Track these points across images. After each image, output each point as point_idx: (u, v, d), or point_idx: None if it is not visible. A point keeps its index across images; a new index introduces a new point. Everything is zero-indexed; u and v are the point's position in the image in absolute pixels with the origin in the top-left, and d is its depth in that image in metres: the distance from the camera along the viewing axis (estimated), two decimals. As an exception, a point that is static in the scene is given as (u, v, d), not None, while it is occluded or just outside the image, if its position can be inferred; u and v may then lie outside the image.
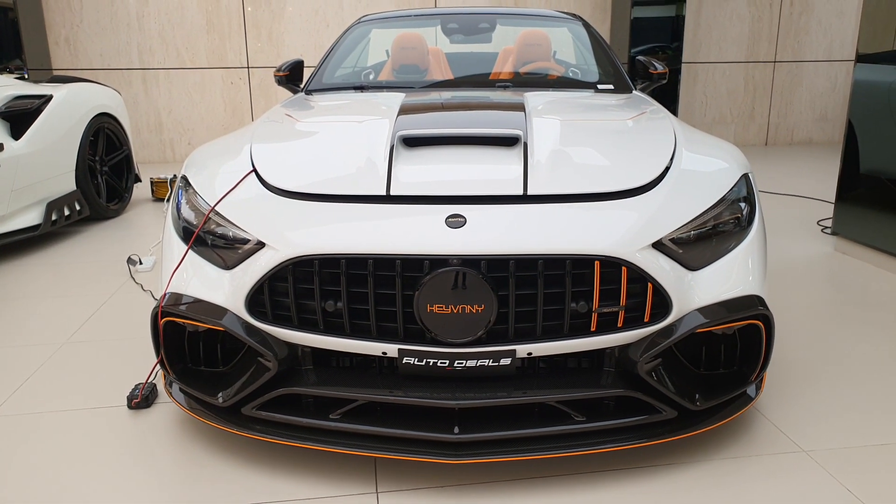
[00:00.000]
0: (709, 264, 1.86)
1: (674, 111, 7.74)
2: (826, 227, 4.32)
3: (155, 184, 5.51)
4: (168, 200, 5.29)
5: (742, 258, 1.91)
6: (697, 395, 1.83)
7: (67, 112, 4.41)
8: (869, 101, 3.62)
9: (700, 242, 1.86)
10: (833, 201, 3.98)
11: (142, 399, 2.21)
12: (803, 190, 5.60)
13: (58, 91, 4.39)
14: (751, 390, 1.98)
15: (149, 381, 2.27)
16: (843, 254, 3.83)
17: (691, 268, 1.83)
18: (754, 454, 1.91)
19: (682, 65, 7.88)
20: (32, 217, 4.07)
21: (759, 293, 1.90)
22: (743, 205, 1.98)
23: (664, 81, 3.32)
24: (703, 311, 1.81)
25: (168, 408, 2.20)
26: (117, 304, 3.17)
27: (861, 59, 3.69)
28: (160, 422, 2.12)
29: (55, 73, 7.23)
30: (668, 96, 7.58)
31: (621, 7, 7.69)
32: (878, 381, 2.34)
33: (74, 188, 4.46)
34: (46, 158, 4.17)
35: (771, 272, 3.46)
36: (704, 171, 2.05)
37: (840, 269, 3.60)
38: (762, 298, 1.90)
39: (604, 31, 7.99)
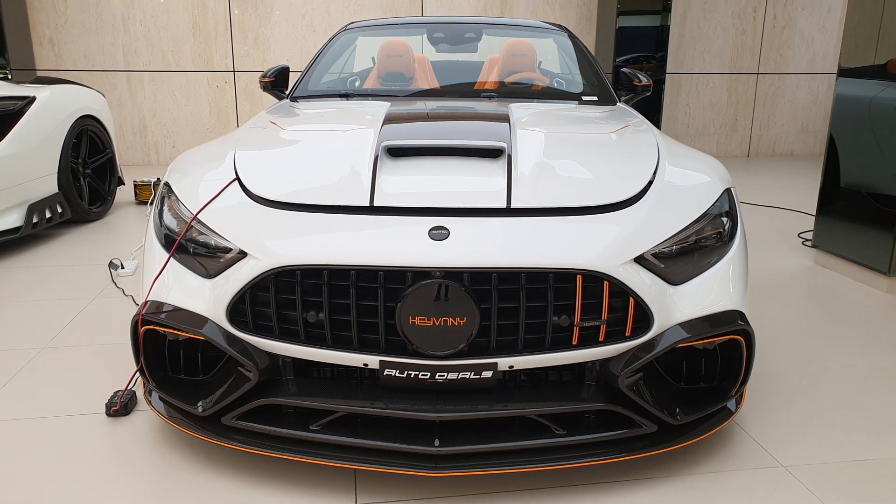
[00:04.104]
0: (690, 279, 1.88)
1: (657, 121, 7.80)
2: (807, 240, 4.37)
3: (138, 187, 5.46)
4: (151, 204, 5.25)
5: (723, 273, 1.93)
6: (678, 410, 1.84)
7: (50, 114, 4.36)
8: (850, 114, 3.67)
9: (682, 257, 1.87)
10: (814, 214, 4.02)
11: (121, 407, 2.18)
12: (784, 202, 5.67)
13: (41, 93, 4.35)
14: (731, 405, 1.99)
15: (128, 388, 2.24)
16: (823, 267, 3.88)
17: (673, 282, 1.84)
18: (734, 469, 1.92)
19: (667, 75, 7.96)
20: (13, 219, 4.02)
21: (741, 308, 1.92)
22: (725, 220, 2.00)
23: (648, 93, 3.35)
24: (684, 325, 1.83)
25: (147, 416, 2.17)
26: (98, 308, 3.14)
27: (843, 73, 3.75)
28: (139, 430, 2.10)
29: (39, 73, 7.16)
30: (652, 106, 7.65)
31: (607, 16, 7.75)
32: (856, 396, 2.37)
33: (56, 191, 4.42)
34: (28, 160, 4.12)
35: (751, 285, 3.50)
36: (687, 185, 2.07)
37: (820, 282, 3.64)
38: (743, 314, 1.91)
39: (589, 41, 8.05)
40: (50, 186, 4.35)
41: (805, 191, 6.13)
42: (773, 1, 8.21)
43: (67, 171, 4.49)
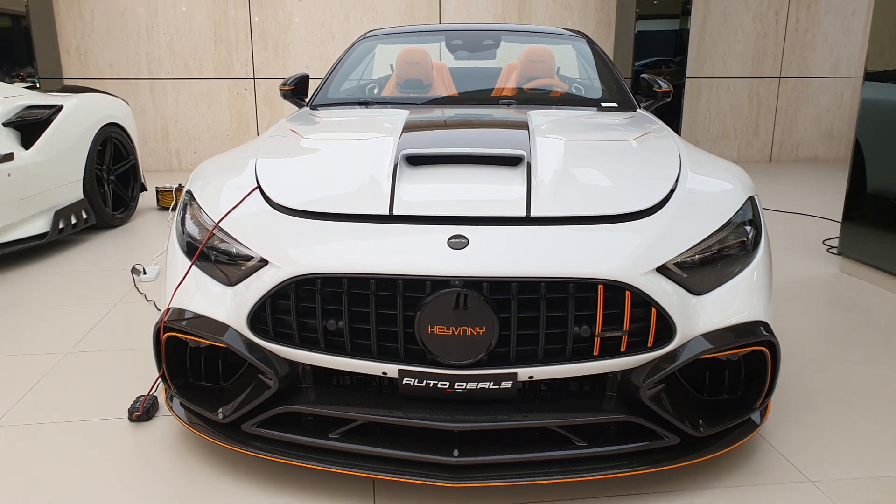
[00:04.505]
0: (714, 289, 1.85)
1: (677, 126, 7.74)
2: (832, 247, 4.29)
3: (160, 193, 5.53)
4: (173, 209, 5.31)
5: (747, 283, 1.90)
6: (701, 422, 1.81)
7: (77, 122, 4.44)
8: (877, 119, 3.61)
9: (705, 266, 1.85)
10: (839, 220, 3.95)
11: (143, 412, 2.20)
12: (808, 208, 5.58)
13: (68, 101, 4.43)
14: (755, 417, 1.96)
15: (150, 393, 2.26)
16: (850, 275, 3.81)
17: (696, 292, 1.82)
18: (759, 483, 1.89)
19: (686, 80, 7.90)
20: (40, 225, 4.09)
21: (765, 318, 1.89)
22: (748, 228, 1.97)
23: (668, 99, 3.31)
24: (707, 336, 1.80)
25: (169, 421, 2.19)
26: (121, 313, 3.18)
27: (869, 76, 3.68)
28: (161, 435, 2.12)
29: (66, 82, 7.29)
30: (671, 111, 7.59)
31: (625, 21, 7.71)
32: (886, 408, 2.31)
33: (82, 197, 4.49)
34: (55, 168, 4.19)
35: (775, 293, 3.44)
36: (710, 193, 2.04)
37: (846, 290, 3.57)
38: (768, 324, 1.88)
39: (608, 46, 8.01)
40: (76, 193, 4.43)
41: (830, 197, 6.03)
42: (795, 4, 8.12)
43: (92, 177, 4.56)
